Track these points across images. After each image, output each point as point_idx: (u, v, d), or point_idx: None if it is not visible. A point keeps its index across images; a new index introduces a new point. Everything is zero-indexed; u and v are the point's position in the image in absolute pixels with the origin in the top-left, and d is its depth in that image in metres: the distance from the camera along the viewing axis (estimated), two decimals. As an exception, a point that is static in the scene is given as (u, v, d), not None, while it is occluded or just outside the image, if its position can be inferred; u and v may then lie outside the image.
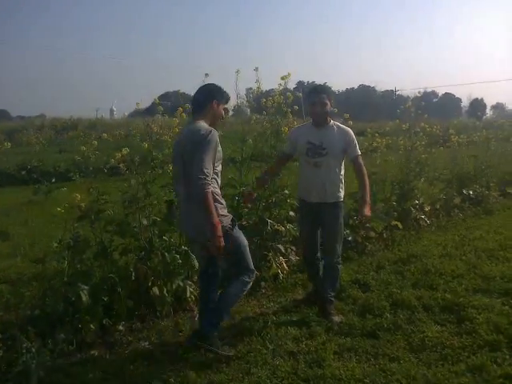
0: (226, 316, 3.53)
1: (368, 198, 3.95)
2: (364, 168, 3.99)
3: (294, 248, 5.24)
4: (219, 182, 3.37)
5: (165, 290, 3.89)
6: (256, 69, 4.69)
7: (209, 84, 3.49)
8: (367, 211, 3.90)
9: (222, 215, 3.25)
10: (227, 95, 3.52)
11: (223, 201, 3.38)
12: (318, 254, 4.21)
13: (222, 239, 3.11)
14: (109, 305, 3.75)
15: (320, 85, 4.20)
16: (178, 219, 3.88)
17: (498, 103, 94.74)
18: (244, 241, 3.47)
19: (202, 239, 3.25)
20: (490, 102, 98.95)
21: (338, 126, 4.01)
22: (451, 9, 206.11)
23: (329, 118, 3.97)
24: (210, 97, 3.38)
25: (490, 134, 10.40)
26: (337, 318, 3.86)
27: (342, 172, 4.00)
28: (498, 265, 5.07)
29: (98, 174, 4.09)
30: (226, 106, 3.56)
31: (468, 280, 4.62)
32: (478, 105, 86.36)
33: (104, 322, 3.64)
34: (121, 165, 4.19)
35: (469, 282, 4.56)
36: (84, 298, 3.47)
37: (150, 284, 3.89)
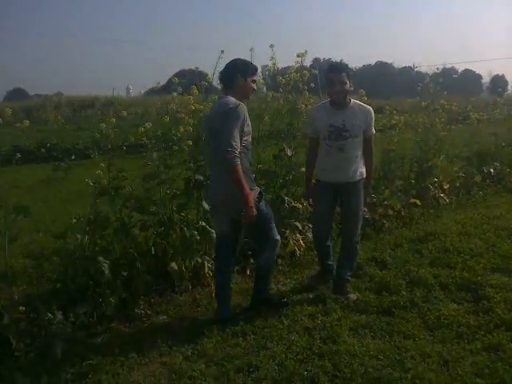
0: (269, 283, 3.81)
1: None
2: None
3: (310, 225, 5.24)
4: (249, 155, 3.49)
5: (183, 265, 3.94)
6: (271, 46, 4.64)
7: (235, 59, 3.52)
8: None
9: (250, 188, 3.33)
10: (253, 67, 3.56)
11: (252, 174, 3.54)
12: (329, 242, 4.23)
13: (255, 209, 3.26)
14: (128, 279, 3.82)
15: (338, 62, 4.05)
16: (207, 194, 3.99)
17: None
18: (270, 213, 3.62)
19: (225, 208, 3.46)
20: (511, 78, 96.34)
21: (359, 105, 3.92)
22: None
23: (349, 97, 3.86)
24: (236, 72, 3.43)
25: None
26: (353, 296, 3.88)
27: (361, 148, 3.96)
28: (517, 244, 5.00)
29: (117, 152, 4.09)
30: (254, 77, 3.56)
31: (486, 259, 4.58)
32: (499, 81, 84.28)
33: (124, 296, 3.72)
34: (143, 139, 4.20)
35: (487, 261, 4.51)
36: (106, 272, 3.54)
37: (168, 259, 3.95)
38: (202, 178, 4.37)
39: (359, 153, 3.91)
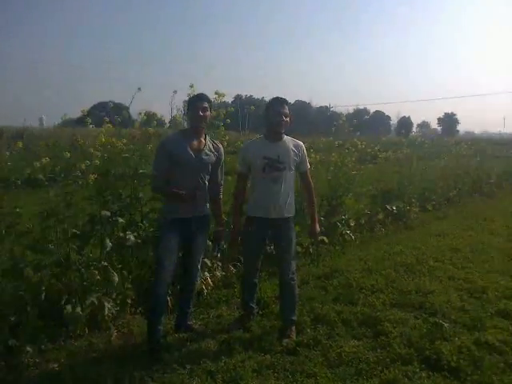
0: None
1: (316, 215, 4.22)
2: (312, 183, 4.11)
3: (219, 263, 5.19)
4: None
5: (79, 308, 3.69)
6: (191, 85, 4.65)
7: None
8: (318, 228, 4.20)
9: None
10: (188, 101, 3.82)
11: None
12: (256, 279, 4.18)
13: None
14: (17, 324, 3.50)
15: (282, 97, 3.95)
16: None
17: (423, 121, 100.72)
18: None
19: None
20: (416, 120, 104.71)
21: (292, 140, 4.00)
22: (381, 32, 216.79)
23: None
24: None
25: (413, 152, 10.94)
26: (290, 341, 3.79)
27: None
28: (414, 279, 5.29)
29: (11, 185, 3.82)
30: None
31: (386, 294, 4.78)
32: (405, 122, 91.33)
33: (10, 342, 3.40)
34: (40, 175, 3.96)
35: (386, 297, 4.71)
36: (-13, 318, 3.23)
37: (63, 302, 3.69)
38: (108, 213, 4.19)
39: (292, 189, 3.98)
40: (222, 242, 4.65)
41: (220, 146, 3.94)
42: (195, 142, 3.71)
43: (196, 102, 3.71)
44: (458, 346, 3.62)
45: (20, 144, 3.89)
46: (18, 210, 3.76)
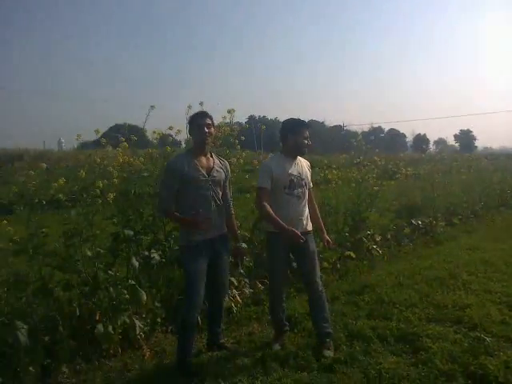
0: None
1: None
2: None
3: (247, 280, 5.12)
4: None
5: (110, 327, 3.64)
6: (201, 103, 4.67)
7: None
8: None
9: None
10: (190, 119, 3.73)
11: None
12: (284, 296, 4.13)
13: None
14: (51, 345, 3.47)
15: (305, 121, 4.08)
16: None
17: (440, 138, 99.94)
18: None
19: None
20: (432, 137, 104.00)
21: (301, 159, 4.10)
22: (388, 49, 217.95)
23: None
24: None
25: (435, 167, 10.83)
26: (330, 353, 3.73)
27: None
28: (449, 293, 5.13)
29: (37, 206, 3.82)
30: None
31: (421, 309, 4.64)
32: (421, 140, 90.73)
33: (45, 363, 3.37)
34: (60, 195, 3.97)
35: (422, 311, 4.56)
36: (22, 338, 3.19)
37: (94, 321, 3.65)
38: (131, 232, 4.18)
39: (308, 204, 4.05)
40: (245, 257, 4.56)
41: (225, 161, 3.90)
42: (204, 161, 3.64)
43: (199, 120, 3.64)
44: (504, 360, 3.45)
45: (44, 166, 3.89)
46: (44, 230, 3.77)
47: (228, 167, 3.86)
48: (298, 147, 3.94)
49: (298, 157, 4.05)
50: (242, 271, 5.02)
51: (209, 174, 3.60)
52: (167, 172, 3.58)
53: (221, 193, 3.71)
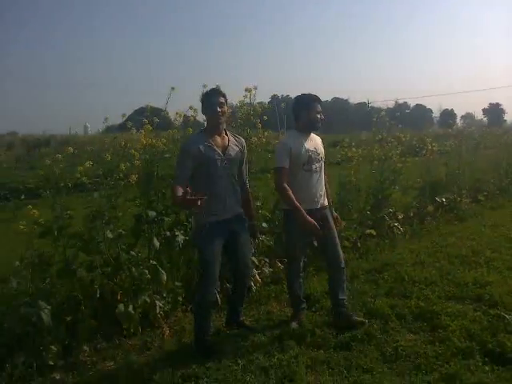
0: None
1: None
2: None
3: (267, 260, 5.16)
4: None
5: (131, 306, 3.74)
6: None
7: None
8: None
9: None
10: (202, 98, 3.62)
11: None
12: (303, 274, 4.18)
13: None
14: (72, 324, 3.58)
15: (315, 95, 4.01)
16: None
17: (467, 113, 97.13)
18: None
19: None
20: (459, 112, 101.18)
21: (314, 135, 4.07)
22: (418, 22, 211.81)
23: None
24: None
25: (462, 143, 10.55)
26: (359, 318, 3.88)
27: None
28: (470, 271, 5.07)
29: (62, 189, 3.90)
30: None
31: (441, 287, 4.60)
32: (448, 115, 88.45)
33: (67, 342, 3.48)
34: (83, 178, 4.02)
35: (442, 289, 4.53)
36: (45, 318, 3.31)
37: (116, 301, 3.75)
38: (154, 213, 4.23)
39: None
40: (258, 235, 4.52)
41: (242, 139, 3.81)
42: (219, 140, 3.57)
43: (211, 98, 3.53)
44: (523, 338, 3.42)
45: (71, 149, 3.94)
46: (68, 212, 3.85)
47: (244, 144, 3.78)
48: (311, 123, 3.91)
49: (312, 133, 4.02)
50: (254, 250, 5.01)
51: (224, 153, 3.55)
52: (182, 153, 3.53)
53: (237, 171, 3.67)
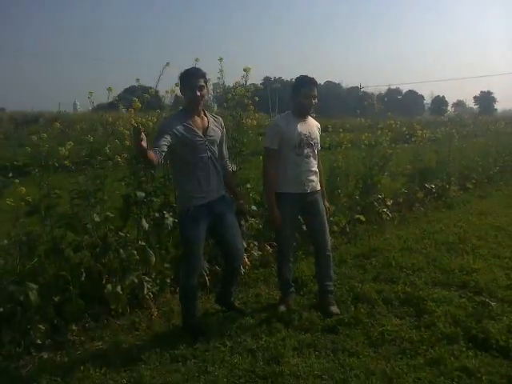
0: None
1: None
2: None
3: (256, 243, 5.17)
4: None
5: (119, 287, 3.73)
6: (220, 59, 4.57)
7: None
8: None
9: None
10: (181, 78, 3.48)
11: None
12: (292, 258, 4.18)
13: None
14: (60, 304, 3.57)
15: (312, 78, 3.91)
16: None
17: (458, 100, 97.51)
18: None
19: None
20: (451, 99, 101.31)
21: (312, 118, 4.05)
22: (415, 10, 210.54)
23: None
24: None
25: (453, 130, 10.58)
26: (335, 309, 3.86)
27: None
28: (456, 257, 5.13)
29: (50, 168, 3.84)
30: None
31: (427, 273, 4.66)
32: (440, 102, 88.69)
33: (55, 321, 3.47)
34: (66, 161, 3.93)
35: (428, 275, 4.59)
36: (32, 298, 3.29)
37: (104, 281, 3.74)
38: (143, 194, 4.19)
39: (317, 163, 4.03)
40: (246, 216, 4.46)
41: (220, 118, 3.72)
42: (198, 121, 3.47)
43: (190, 80, 3.39)
44: (506, 325, 3.48)
45: (58, 124, 3.85)
46: (56, 191, 3.80)
47: (222, 124, 3.69)
48: (303, 106, 3.86)
49: (309, 117, 3.99)
50: (244, 229, 4.99)
51: (205, 134, 3.46)
52: (161, 130, 3.33)
53: (217, 152, 3.58)
